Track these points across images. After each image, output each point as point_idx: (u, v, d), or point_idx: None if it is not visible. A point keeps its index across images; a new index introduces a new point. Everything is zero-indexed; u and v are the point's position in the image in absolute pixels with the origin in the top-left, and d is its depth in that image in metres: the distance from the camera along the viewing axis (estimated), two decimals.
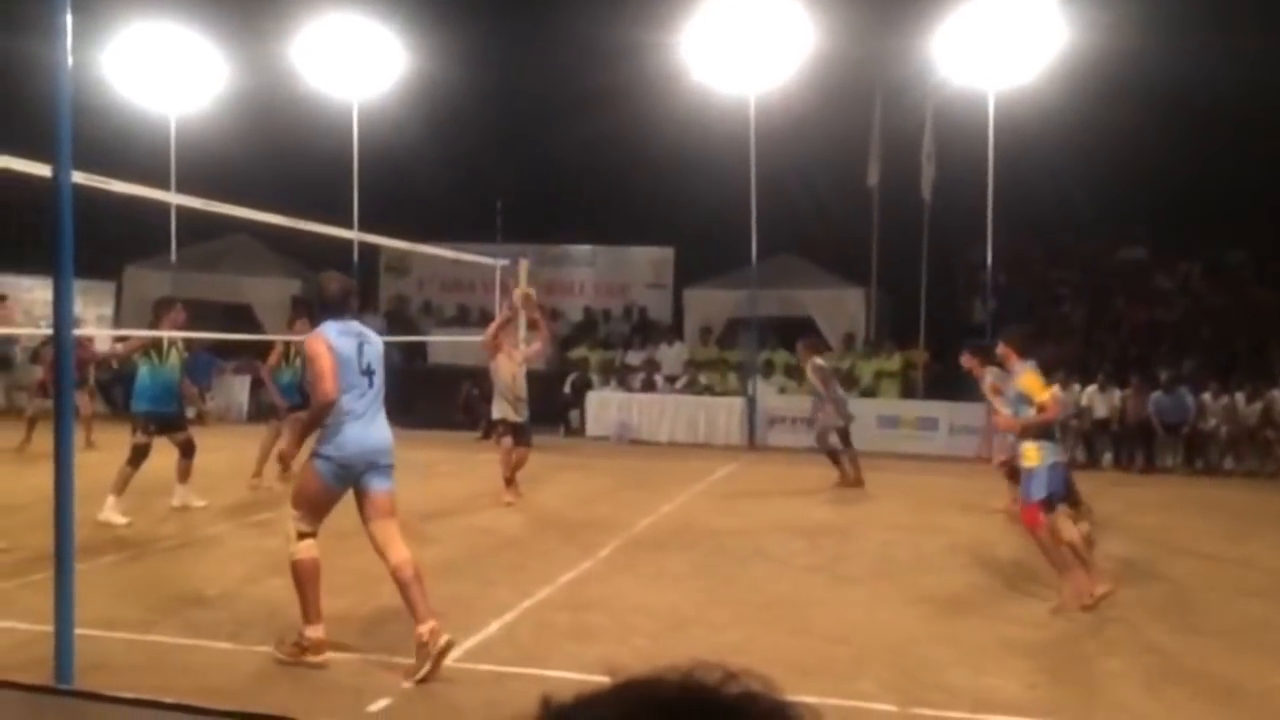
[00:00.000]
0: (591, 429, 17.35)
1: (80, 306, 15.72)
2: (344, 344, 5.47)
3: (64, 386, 5.08)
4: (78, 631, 4.88)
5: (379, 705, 4.86)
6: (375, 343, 5.67)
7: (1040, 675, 5.55)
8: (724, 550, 8.55)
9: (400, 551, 5.40)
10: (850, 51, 16.83)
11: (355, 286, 5.96)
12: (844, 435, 12.26)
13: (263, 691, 5.02)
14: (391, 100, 18.31)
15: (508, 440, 10.64)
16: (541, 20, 20.37)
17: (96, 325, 18.82)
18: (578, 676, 4.80)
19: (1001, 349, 7.16)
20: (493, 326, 10.79)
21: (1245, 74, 16.27)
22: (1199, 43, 15.71)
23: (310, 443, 5.60)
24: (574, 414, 17.67)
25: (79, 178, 5.21)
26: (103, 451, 12.72)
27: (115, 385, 18.75)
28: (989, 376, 9.54)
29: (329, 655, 5.43)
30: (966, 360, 10.09)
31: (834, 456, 12.19)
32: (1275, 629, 6.63)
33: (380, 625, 6.10)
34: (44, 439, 8.29)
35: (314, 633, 5.38)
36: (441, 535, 8.88)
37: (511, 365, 10.68)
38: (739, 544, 8.81)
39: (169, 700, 2.76)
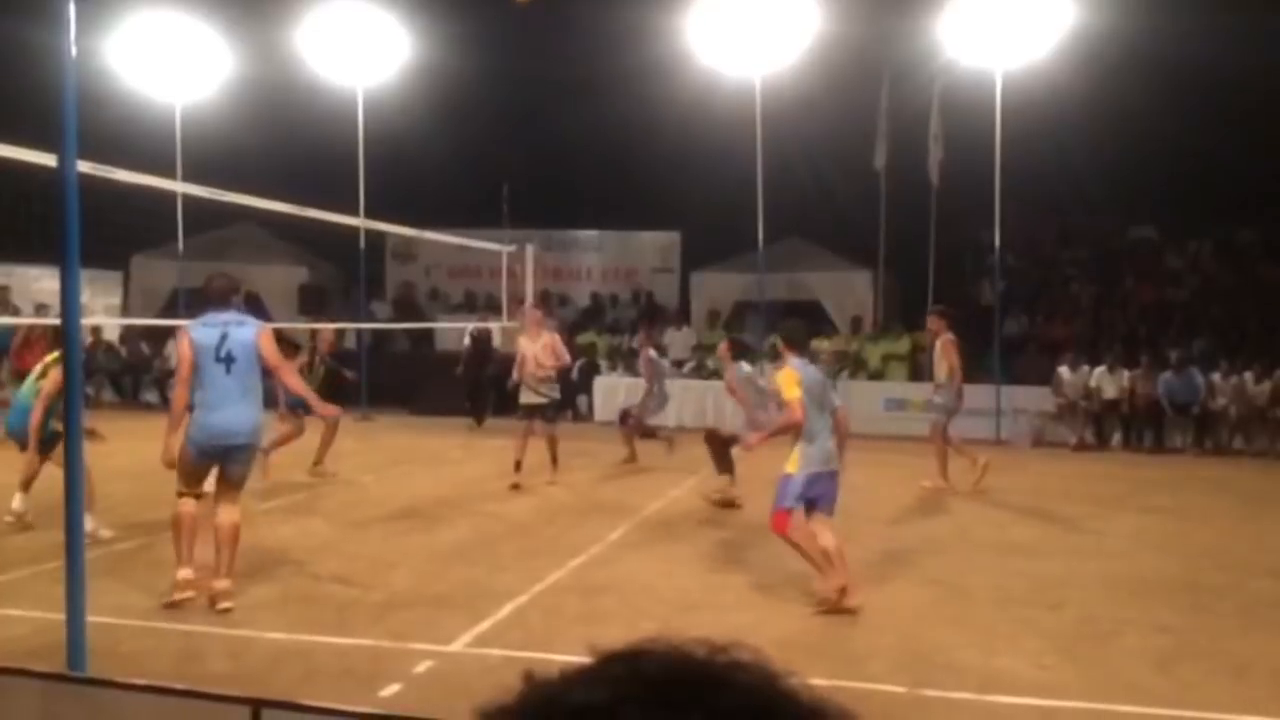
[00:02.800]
0: (599, 414, 17.33)
1: (88, 296, 15.73)
2: (205, 334, 6.10)
3: (73, 377, 5.09)
4: (90, 619, 4.91)
5: (390, 690, 4.88)
6: (245, 334, 6.13)
7: (1051, 656, 5.55)
8: (733, 533, 8.56)
9: (229, 513, 6.21)
10: (856, 33, 16.74)
11: (239, 285, 6.72)
12: (638, 419, 12.71)
13: (273, 677, 5.04)
14: (396, 86, 18.27)
15: (524, 425, 10.66)
16: (546, 4, 20.30)
17: (105, 315, 18.86)
18: (589, 660, 4.81)
19: (779, 344, 7.19)
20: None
21: (1255, 52, 16.12)
22: (1208, 20, 15.58)
23: None
24: (582, 399, 17.67)
25: (84, 167, 5.21)
26: (110, 441, 12.76)
27: (124, 375, 18.85)
28: (732, 369, 9.71)
29: (232, 604, 5.99)
30: (721, 350, 10.36)
31: (648, 433, 12.63)
32: None
33: (391, 611, 6.13)
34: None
35: (182, 574, 6.00)
36: (452, 520, 8.91)
37: (531, 346, 10.68)
38: (747, 527, 8.81)
39: (180, 686, 2.77)
